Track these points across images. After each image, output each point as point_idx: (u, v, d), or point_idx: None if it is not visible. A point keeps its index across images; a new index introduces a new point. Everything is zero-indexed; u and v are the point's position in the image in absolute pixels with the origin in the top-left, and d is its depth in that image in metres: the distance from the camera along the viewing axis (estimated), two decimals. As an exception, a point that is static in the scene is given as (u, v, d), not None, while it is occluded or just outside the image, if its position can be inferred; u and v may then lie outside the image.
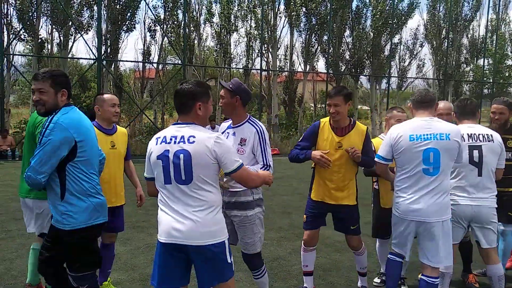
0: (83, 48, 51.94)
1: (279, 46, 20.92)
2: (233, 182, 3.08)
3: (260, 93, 20.58)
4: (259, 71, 20.43)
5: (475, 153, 3.53)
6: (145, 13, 28.39)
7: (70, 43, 18.23)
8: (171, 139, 2.50)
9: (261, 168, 3.20)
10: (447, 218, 3.25)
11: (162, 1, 19.41)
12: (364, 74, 22.74)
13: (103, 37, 17.15)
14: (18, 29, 16.92)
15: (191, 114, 2.56)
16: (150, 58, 20.74)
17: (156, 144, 2.54)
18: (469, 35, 24.75)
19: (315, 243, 3.99)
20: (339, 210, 3.81)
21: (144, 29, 20.33)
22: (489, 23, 23.79)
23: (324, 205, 3.84)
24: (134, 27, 19.20)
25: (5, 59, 15.72)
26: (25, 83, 24.34)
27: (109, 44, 18.00)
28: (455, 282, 4.33)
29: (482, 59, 23.95)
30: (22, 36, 17.37)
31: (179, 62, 19.01)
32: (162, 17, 19.78)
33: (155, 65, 21.17)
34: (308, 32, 20.98)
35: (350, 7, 21.41)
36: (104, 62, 17.52)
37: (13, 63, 17.54)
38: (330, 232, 6.31)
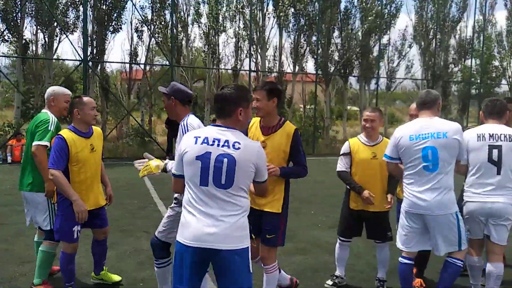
0: (69, 49, 51.30)
1: (268, 47, 20.84)
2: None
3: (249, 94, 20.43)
4: (248, 72, 20.31)
5: (495, 152, 3.61)
6: (132, 14, 28.15)
7: (56, 44, 17.92)
8: (213, 142, 2.49)
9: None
10: (453, 211, 3.47)
11: (149, 2, 19.20)
12: (353, 75, 22.75)
13: (89, 38, 16.88)
14: (2, 29, 16.55)
15: (231, 119, 2.57)
16: (137, 59, 20.50)
17: (196, 143, 2.51)
18: (457, 36, 24.94)
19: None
20: (261, 217, 3.49)
21: (131, 29, 20.11)
22: (476, 24, 24.02)
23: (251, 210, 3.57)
24: (121, 28, 18.88)
25: (-12, 60, 15.38)
26: (9, 85, 23.86)
27: (95, 45, 17.73)
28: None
29: (470, 60, 24.14)
30: (6, 37, 16.99)
31: (167, 63, 18.79)
32: (149, 17, 19.56)
33: (142, 66, 20.94)
34: (297, 33, 20.92)
35: (339, 7, 21.40)
36: (90, 63, 17.25)
37: (-4, 64, 17.20)
38: (320, 234, 6.21)
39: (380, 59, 22.25)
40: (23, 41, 17.33)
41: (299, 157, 3.47)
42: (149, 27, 19.32)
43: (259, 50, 20.43)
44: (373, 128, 4.07)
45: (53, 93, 4.09)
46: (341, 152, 4.21)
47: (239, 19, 20.60)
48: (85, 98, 3.78)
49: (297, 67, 21.50)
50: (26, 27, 17.57)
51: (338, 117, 28.07)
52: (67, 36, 16.93)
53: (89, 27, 17.43)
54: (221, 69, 21.74)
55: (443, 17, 23.46)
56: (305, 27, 20.67)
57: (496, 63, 26.19)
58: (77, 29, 17.95)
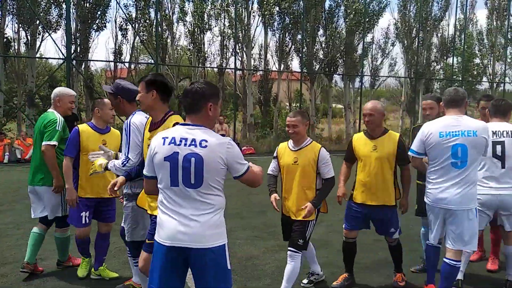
0: (52, 48, 50.45)
1: (253, 46, 20.88)
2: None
3: (234, 93, 20.48)
4: (233, 71, 20.34)
5: (498, 147, 3.96)
6: (116, 12, 27.83)
7: (38, 43, 17.69)
8: (181, 141, 2.46)
9: (122, 162, 3.32)
10: (472, 207, 3.60)
11: (133, 0, 19.08)
12: (337, 73, 22.95)
13: (72, 36, 16.71)
14: (-18, 28, 16.30)
15: (201, 114, 2.53)
16: (122, 57, 20.36)
17: (164, 145, 2.49)
18: (439, 35, 25.33)
19: None
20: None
21: (116, 28, 19.96)
22: (457, 22, 24.41)
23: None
24: (105, 26, 18.78)
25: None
26: (-9, 84, 23.41)
27: (78, 43, 17.55)
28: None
29: (452, 58, 24.56)
30: (-13, 35, 16.73)
31: (152, 61, 18.71)
32: (133, 15, 19.43)
33: (127, 64, 20.79)
34: (282, 32, 21.02)
35: (323, 6, 21.55)
36: (74, 62, 17.08)
37: (-23, 63, 16.90)
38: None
39: (364, 57, 22.51)
40: (5, 40, 17.07)
41: None
42: (133, 25, 19.20)
43: (245, 49, 20.47)
44: (296, 133, 3.89)
45: (59, 94, 4.43)
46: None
47: (224, 18, 20.62)
48: (106, 100, 4.19)
49: (282, 66, 21.61)
50: (7, 25, 17.36)
51: (324, 115, 28.27)
52: (49, 35, 16.76)
53: (73, 25, 17.26)
54: (206, 67, 21.72)
55: (425, 16, 23.80)
56: (290, 25, 20.78)
57: (477, 61, 26.72)
58: (60, 27, 17.79)
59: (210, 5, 20.13)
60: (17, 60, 18.01)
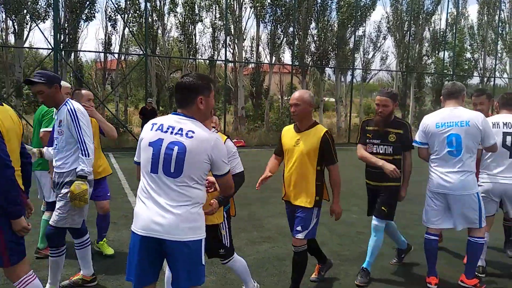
0: (42, 38, 49.90)
1: (245, 38, 20.75)
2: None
3: (225, 85, 20.38)
4: (224, 63, 20.22)
5: (508, 138, 4.13)
6: (106, 2, 27.51)
7: (26, 32, 17.42)
8: (168, 129, 2.45)
9: (80, 154, 3.47)
10: (474, 191, 3.84)
11: (123, -10, 18.85)
12: (329, 66, 22.90)
13: (61, 26, 16.47)
14: (-32, 17, 16.03)
15: (192, 108, 2.50)
16: (111, 48, 20.13)
17: (151, 130, 2.50)
18: (431, 29, 25.36)
19: None
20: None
21: (106, 18, 19.71)
22: (449, 17, 24.45)
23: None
24: (94, 16, 18.52)
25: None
26: (-22, 75, 23.10)
27: (67, 33, 17.32)
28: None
29: (443, 52, 24.61)
30: (-27, 25, 16.47)
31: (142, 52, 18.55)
32: (123, 6, 19.19)
33: (116, 55, 20.57)
34: (274, 24, 20.90)
35: (315, -2, 21.46)
36: (63, 52, 16.86)
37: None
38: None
39: (356, 50, 22.46)
40: (-9, 29, 16.81)
41: None
42: (123, 16, 18.98)
43: (236, 41, 20.34)
44: None
45: None
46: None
47: (215, 9, 20.45)
48: (84, 91, 4.56)
49: (274, 58, 21.52)
50: (-6, 15, 17.07)
51: (315, 109, 28.25)
52: (37, 25, 16.49)
53: (61, 14, 17.01)
54: (197, 59, 21.57)
55: (417, 10, 23.80)
56: (282, 18, 20.67)
57: (468, 55, 26.81)
58: (48, 17, 17.49)
59: (201, -4, 19.94)
60: (5, 50, 17.75)
